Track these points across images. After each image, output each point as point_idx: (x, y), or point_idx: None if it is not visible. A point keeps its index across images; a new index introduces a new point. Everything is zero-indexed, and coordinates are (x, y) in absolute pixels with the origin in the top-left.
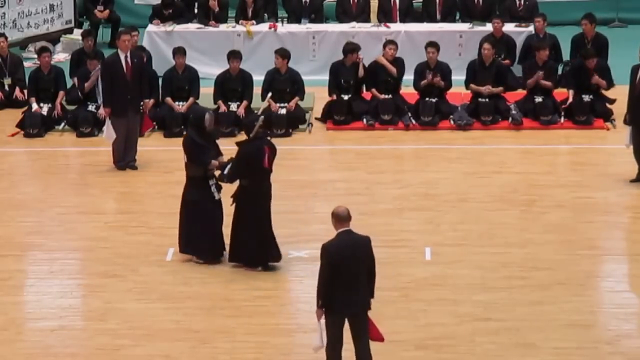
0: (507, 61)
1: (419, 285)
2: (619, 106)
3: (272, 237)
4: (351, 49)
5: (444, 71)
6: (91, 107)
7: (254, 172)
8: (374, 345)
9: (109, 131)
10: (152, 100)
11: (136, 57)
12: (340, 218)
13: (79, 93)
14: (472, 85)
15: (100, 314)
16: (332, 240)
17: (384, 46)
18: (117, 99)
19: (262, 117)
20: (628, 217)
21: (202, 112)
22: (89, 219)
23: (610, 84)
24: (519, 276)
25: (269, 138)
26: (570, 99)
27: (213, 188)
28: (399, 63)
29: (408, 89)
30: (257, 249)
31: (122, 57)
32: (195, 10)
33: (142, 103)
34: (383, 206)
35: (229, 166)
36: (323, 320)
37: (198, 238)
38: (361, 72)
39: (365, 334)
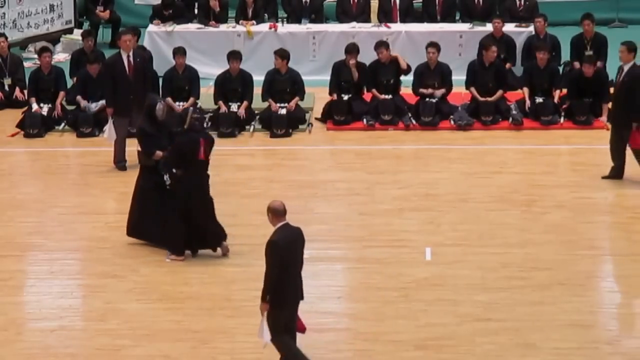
0: (508, 65)
1: (419, 286)
2: None
3: (205, 229)
4: (348, 50)
5: (444, 72)
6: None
7: (188, 163)
8: (375, 346)
9: (110, 131)
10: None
11: (139, 56)
12: (278, 212)
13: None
14: (472, 89)
15: (101, 315)
16: (276, 235)
17: (375, 49)
18: (119, 98)
19: (192, 108)
20: (628, 217)
21: (154, 101)
22: (89, 219)
23: (606, 95)
24: (519, 276)
25: (206, 130)
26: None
27: (166, 177)
28: (398, 65)
29: (408, 89)
30: (184, 239)
31: (124, 56)
32: (196, 11)
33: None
34: (383, 206)
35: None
36: (266, 313)
37: (147, 224)
38: (355, 75)
39: (294, 324)
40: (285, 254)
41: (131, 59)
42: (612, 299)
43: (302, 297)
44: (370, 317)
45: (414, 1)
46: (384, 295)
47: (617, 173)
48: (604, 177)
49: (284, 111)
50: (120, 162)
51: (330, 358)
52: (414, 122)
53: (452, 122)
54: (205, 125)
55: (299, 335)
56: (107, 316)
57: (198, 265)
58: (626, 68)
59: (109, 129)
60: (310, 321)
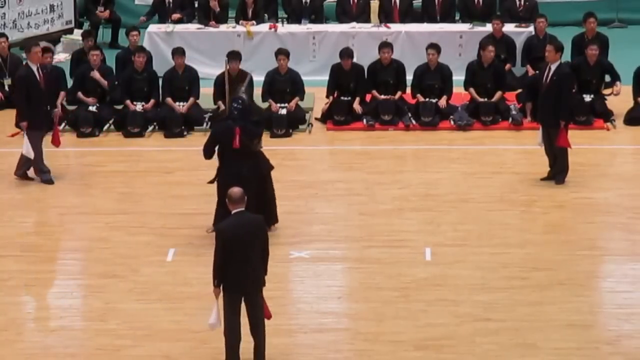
0: (508, 66)
1: (419, 286)
2: (620, 106)
3: None
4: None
5: (445, 74)
6: (92, 108)
7: (222, 152)
8: (375, 346)
9: (27, 147)
10: (58, 109)
11: (46, 68)
12: (233, 200)
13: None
14: (471, 90)
15: (101, 315)
16: (225, 221)
17: (379, 50)
18: (34, 112)
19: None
20: (628, 218)
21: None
22: (89, 219)
23: (615, 77)
24: (519, 276)
25: (249, 119)
26: None
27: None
28: (399, 67)
29: (408, 90)
30: None
31: (34, 69)
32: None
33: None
34: (383, 206)
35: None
36: (221, 300)
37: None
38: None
39: (258, 310)
40: (227, 241)
41: (40, 71)
42: (612, 299)
43: (247, 288)
44: (370, 317)
45: (413, 1)
46: (384, 296)
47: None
48: (542, 179)
49: (284, 111)
50: (44, 173)
51: (331, 358)
52: (414, 122)
53: (452, 122)
54: (248, 115)
55: (301, 335)
56: (107, 316)
57: (198, 265)
58: (553, 67)
59: (26, 145)
60: (311, 321)
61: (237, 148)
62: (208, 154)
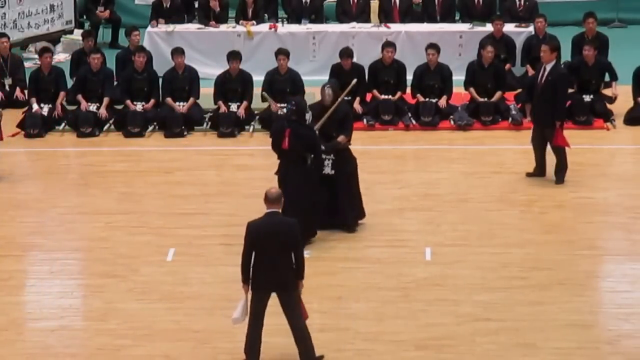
0: (508, 65)
1: (419, 286)
2: (619, 106)
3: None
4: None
5: (444, 74)
6: (92, 107)
7: (277, 151)
8: (375, 346)
9: None
10: None
11: None
12: (267, 199)
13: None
14: (471, 90)
15: (101, 314)
16: (257, 219)
17: (382, 49)
18: None
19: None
20: (628, 217)
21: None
22: (89, 219)
23: (613, 77)
24: (519, 276)
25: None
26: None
27: (325, 162)
28: (400, 67)
29: (408, 90)
30: None
31: None
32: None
33: None
34: (383, 206)
35: None
36: (249, 296)
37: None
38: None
39: (295, 308)
40: (254, 238)
41: None
42: (612, 298)
43: (271, 289)
44: (370, 317)
45: (413, 2)
46: (384, 295)
47: (540, 171)
48: (528, 175)
49: (284, 111)
50: None
51: (331, 357)
52: (414, 122)
53: (452, 122)
54: (302, 118)
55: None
56: (107, 316)
57: (198, 265)
58: (548, 68)
59: None
60: (311, 321)
61: (285, 149)
62: (274, 150)
